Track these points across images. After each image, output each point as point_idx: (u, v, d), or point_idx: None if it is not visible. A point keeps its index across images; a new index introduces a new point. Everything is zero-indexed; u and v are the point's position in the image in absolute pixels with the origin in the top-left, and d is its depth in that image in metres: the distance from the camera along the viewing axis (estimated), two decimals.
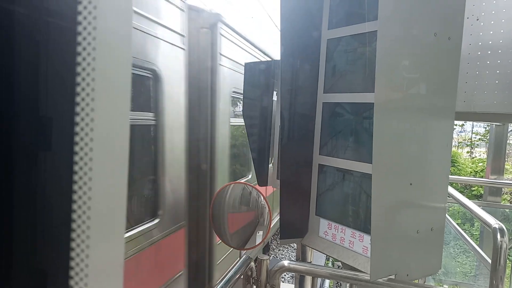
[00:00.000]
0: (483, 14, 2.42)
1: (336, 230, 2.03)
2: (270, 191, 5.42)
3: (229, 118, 4.44)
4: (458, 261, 6.40)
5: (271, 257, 7.76)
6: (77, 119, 0.54)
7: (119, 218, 0.60)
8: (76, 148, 0.54)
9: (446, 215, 3.53)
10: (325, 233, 2.10)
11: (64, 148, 0.55)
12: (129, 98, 0.61)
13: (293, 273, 3.41)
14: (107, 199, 0.58)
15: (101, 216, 0.56)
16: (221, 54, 3.88)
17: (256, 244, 2.48)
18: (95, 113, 0.54)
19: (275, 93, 2.66)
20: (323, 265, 5.46)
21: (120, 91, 0.59)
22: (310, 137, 2.16)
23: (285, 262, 1.88)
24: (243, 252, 2.41)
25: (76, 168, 0.54)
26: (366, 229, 1.86)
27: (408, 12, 1.46)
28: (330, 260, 7.02)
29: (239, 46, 4.58)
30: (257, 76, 2.72)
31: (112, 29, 0.57)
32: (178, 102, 3.41)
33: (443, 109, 1.61)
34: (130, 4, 0.60)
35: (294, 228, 2.18)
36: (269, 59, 5.76)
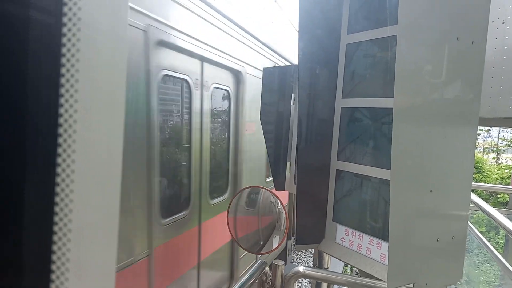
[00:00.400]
0: (509, 17, 2.35)
1: (353, 237, 2.00)
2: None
3: None
4: (482, 270, 6.20)
5: (289, 262, 7.71)
6: (61, 110, 0.51)
7: (107, 220, 0.57)
8: (60, 140, 0.51)
9: (469, 223, 3.43)
10: (342, 239, 2.07)
11: (47, 141, 0.52)
12: (123, 94, 0.57)
13: (309, 279, 3.38)
14: (92, 202, 0.55)
15: (85, 218, 0.54)
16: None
17: (272, 248, 2.47)
18: (79, 104, 0.52)
19: (293, 98, 2.65)
20: (341, 272, 5.38)
21: (111, 86, 0.56)
22: (328, 142, 2.14)
23: (301, 268, 1.87)
24: (259, 256, 2.41)
25: (58, 170, 0.52)
26: (384, 236, 1.82)
27: (429, 16, 1.43)
28: (349, 266, 6.93)
29: None
30: (276, 81, 2.72)
31: (100, 21, 0.54)
32: None
33: (466, 114, 1.56)
34: None
35: (310, 233, 2.16)
36: None
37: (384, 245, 1.82)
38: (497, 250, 3.63)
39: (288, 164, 2.71)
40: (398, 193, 1.44)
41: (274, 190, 2.68)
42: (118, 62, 0.57)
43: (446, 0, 1.46)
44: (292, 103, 2.64)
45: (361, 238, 1.96)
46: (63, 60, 0.52)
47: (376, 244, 1.87)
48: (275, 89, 2.70)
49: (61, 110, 0.52)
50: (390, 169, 1.42)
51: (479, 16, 1.54)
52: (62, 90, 0.52)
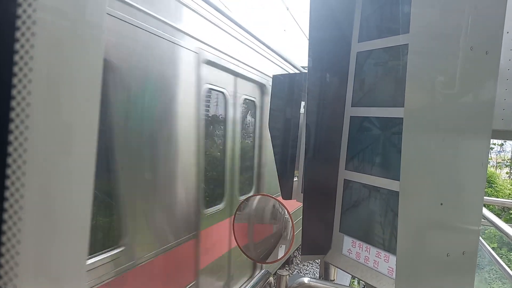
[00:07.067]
0: None
1: (361, 249, 1.95)
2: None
3: None
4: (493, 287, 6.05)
5: (294, 273, 7.63)
6: (13, 103, 0.46)
7: (73, 221, 0.52)
8: (10, 137, 0.46)
9: (481, 238, 3.34)
10: (349, 251, 2.03)
11: None
12: (98, 84, 0.52)
13: None
14: (44, 198, 0.50)
15: (35, 217, 0.49)
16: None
17: (278, 258, 2.43)
18: (31, 96, 0.46)
19: (302, 106, 2.64)
20: (348, 284, 5.29)
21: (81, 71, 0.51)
22: (336, 151, 2.11)
23: (305, 279, 1.83)
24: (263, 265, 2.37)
25: (9, 160, 0.46)
26: (392, 249, 1.78)
27: (442, 25, 1.41)
28: (356, 279, 6.82)
29: None
30: (285, 88, 2.70)
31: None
32: None
33: (478, 127, 1.52)
34: None
35: (316, 244, 2.12)
36: None
37: (392, 258, 1.77)
38: (509, 267, 3.53)
39: (295, 172, 2.68)
40: (407, 205, 1.41)
41: (281, 199, 2.65)
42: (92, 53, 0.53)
43: (460, 9, 1.43)
44: (301, 111, 2.62)
45: (368, 250, 1.91)
46: (18, 23, 0.46)
47: (384, 257, 1.82)
48: (284, 97, 2.69)
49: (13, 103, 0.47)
50: (399, 180, 1.39)
51: (493, 26, 1.50)
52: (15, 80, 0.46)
